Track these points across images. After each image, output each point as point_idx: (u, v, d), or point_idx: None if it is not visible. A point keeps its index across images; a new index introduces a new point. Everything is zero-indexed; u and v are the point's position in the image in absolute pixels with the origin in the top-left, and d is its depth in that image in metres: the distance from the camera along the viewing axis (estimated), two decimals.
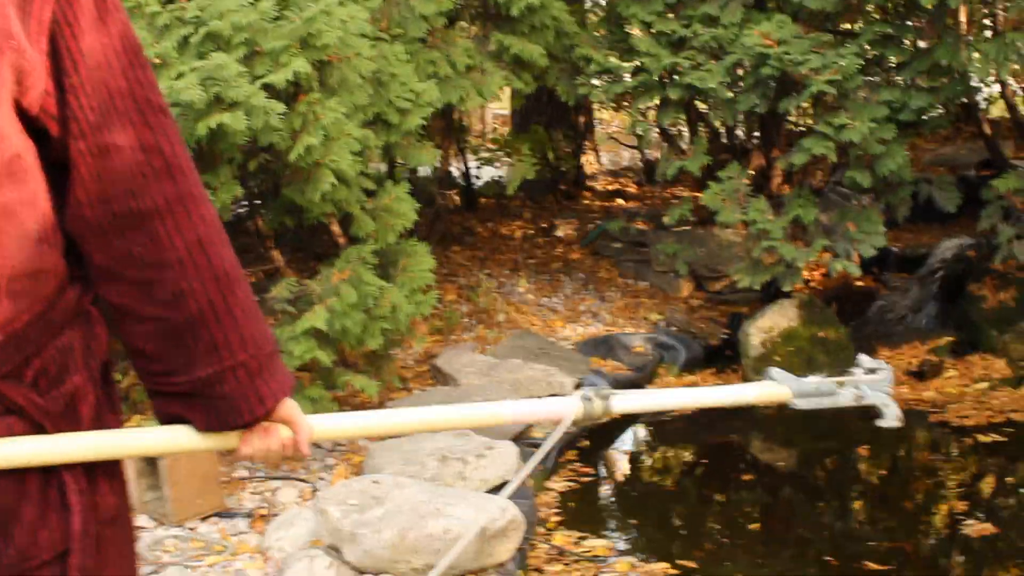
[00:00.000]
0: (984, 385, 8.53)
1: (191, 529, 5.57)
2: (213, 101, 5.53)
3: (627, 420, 8.12)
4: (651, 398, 2.74)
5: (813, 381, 2.90)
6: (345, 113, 6.11)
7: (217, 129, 5.46)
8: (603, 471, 7.34)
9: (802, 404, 2.87)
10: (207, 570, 5.19)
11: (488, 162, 12.50)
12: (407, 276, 6.91)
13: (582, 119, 13.54)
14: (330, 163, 6.01)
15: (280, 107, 5.69)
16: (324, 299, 6.22)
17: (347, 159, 6.08)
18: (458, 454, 6.02)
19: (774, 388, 2.86)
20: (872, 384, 3.00)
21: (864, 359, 3.08)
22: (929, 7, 8.32)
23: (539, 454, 2.54)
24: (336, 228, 6.96)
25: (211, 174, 5.77)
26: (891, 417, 3.00)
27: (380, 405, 6.96)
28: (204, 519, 5.67)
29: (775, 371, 2.94)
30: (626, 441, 7.99)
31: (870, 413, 3.07)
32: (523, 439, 6.87)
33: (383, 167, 8.22)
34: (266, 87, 5.72)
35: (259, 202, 6.91)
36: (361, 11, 6.17)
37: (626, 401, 2.62)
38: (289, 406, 2.21)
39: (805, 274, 9.22)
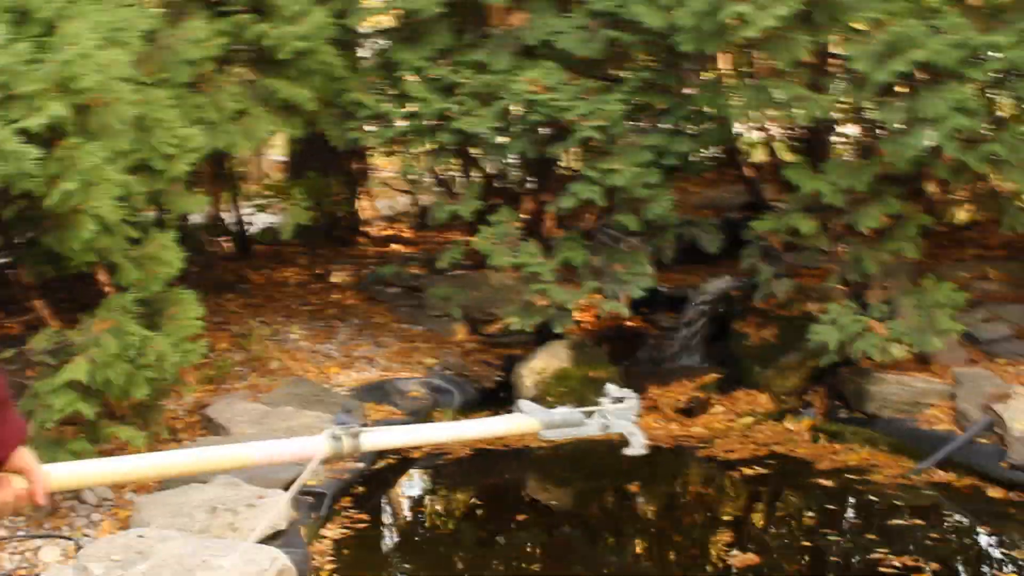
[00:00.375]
0: (749, 420, 8.82)
1: None
2: None
3: (403, 464, 8.11)
4: (401, 434, 2.74)
5: (561, 412, 2.96)
6: (107, 158, 5.96)
7: None
8: (379, 517, 7.30)
9: (551, 435, 2.92)
10: None
11: (263, 209, 12.36)
12: (175, 324, 6.76)
13: (357, 165, 13.51)
14: (90, 209, 5.85)
15: (35, 152, 5.51)
16: (85, 350, 6.04)
17: (108, 205, 5.93)
18: (228, 505, 5.91)
19: (523, 420, 2.91)
20: (619, 413, 3.07)
21: (611, 388, 3.15)
22: (689, 53, 8.60)
23: (288, 495, 2.52)
24: (103, 277, 6.77)
25: None
26: (637, 445, 3.08)
27: None
28: None
29: (524, 403, 2.99)
30: (403, 485, 7.98)
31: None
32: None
33: (151, 214, 8.05)
34: (22, 132, 5.54)
35: (19, 252, 6.68)
36: (123, 55, 6.04)
37: (376, 438, 2.63)
38: (23, 455, 2.14)
39: (576, 316, 9.37)
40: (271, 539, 5.84)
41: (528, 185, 10.52)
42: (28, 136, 5.57)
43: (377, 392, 8.87)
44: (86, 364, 5.91)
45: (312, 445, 2.52)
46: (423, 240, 13.44)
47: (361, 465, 7.47)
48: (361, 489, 7.39)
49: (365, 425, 8.04)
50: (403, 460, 8.13)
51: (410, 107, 9.14)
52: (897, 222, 8.41)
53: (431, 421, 8.71)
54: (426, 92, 8.97)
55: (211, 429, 7.74)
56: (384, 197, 15.97)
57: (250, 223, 12.63)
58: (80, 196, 5.79)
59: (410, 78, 9.15)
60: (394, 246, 13.29)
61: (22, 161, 5.47)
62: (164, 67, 7.23)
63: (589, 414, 3.00)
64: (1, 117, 5.49)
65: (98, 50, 5.83)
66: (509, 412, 8.05)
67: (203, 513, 5.85)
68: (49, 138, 5.77)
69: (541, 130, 9.01)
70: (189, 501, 6.00)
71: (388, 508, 7.60)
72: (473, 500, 7.84)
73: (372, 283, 11.26)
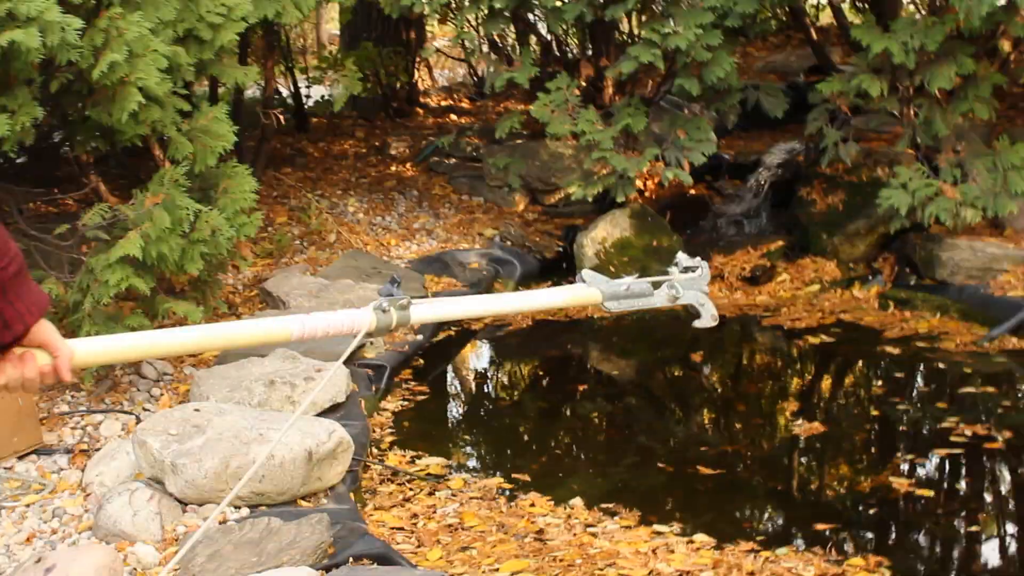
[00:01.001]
0: (815, 288, 8.63)
1: (7, 468, 5.32)
2: (4, 17, 5.20)
3: (463, 336, 8.03)
4: (453, 306, 2.60)
5: (625, 282, 2.80)
6: (151, 28, 5.80)
7: (9, 47, 5.12)
8: (440, 389, 7.23)
9: (614, 306, 2.77)
10: (24, 510, 4.97)
11: (319, 81, 12.20)
12: (228, 199, 6.65)
13: (413, 34, 13.28)
14: (136, 81, 5.71)
15: (78, 22, 5.36)
16: (138, 224, 5.95)
17: (154, 77, 5.77)
18: (286, 378, 5.85)
19: (585, 291, 2.76)
20: (687, 283, 2.92)
21: (682, 257, 2.99)
22: None
23: (337, 365, 2.40)
24: (157, 151, 6.66)
25: (7, 96, 5.44)
26: (707, 316, 2.93)
27: None
28: (21, 457, 5.42)
29: (587, 273, 2.84)
30: (464, 357, 7.91)
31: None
32: (355, 360, 6.73)
33: (203, 88, 7.92)
34: (62, 2, 5.39)
35: (72, 127, 6.57)
36: None
37: (426, 310, 2.49)
38: (45, 329, 2.03)
39: (638, 184, 9.18)
40: (330, 411, 5.80)
41: (587, 51, 10.26)
42: (70, 6, 5.43)
43: (436, 264, 8.80)
44: (139, 239, 5.81)
45: (358, 318, 2.39)
46: (481, 110, 13.23)
47: (420, 337, 7.39)
48: (421, 362, 7.33)
49: (423, 297, 8.00)
50: (463, 332, 8.05)
51: None
52: (969, 82, 8.08)
53: (492, 292, 8.64)
54: None
55: (269, 303, 7.69)
56: (442, 67, 15.74)
57: (307, 96, 12.49)
58: (126, 67, 5.64)
59: None
60: (452, 116, 13.10)
61: (66, 32, 5.32)
62: None
63: (657, 284, 2.84)
64: None
65: None
66: (571, 283, 8.02)
67: (261, 386, 5.80)
68: (91, 8, 5.62)
69: None
70: (248, 375, 5.94)
71: (449, 380, 7.55)
72: (535, 371, 7.76)
73: (430, 154, 11.10)
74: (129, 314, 6.10)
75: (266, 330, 2.31)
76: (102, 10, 5.64)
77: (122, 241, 5.86)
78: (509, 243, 9.43)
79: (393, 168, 11.08)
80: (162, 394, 6.25)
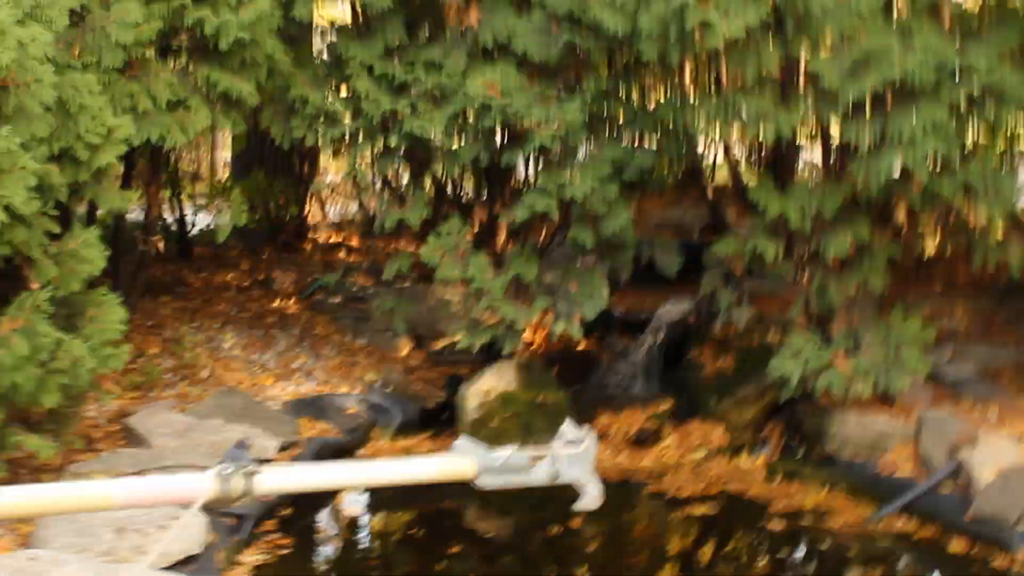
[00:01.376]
0: (701, 454, 8.42)
1: None
2: None
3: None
4: (307, 474, 2.29)
5: (503, 455, 2.51)
6: (22, 144, 5.49)
7: None
8: (305, 542, 6.81)
9: (489, 482, 2.48)
10: None
11: (204, 208, 11.87)
12: (95, 327, 6.31)
13: (306, 167, 13.06)
14: (1, 199, 5.38)
15: None
16: None
17: (21, 195, 5.47)
18: (138, 525, 5.44)
19: (458, 463, 2.47)
20: (571, 459, 2.64)
21: (567, 430, 2.72)
22: (653, 63, 8.20)
23: (186, 516, 2.07)
24: (27, 272, 6.27)
25: None
26: (591, 498, 2.65)
27: (61, 468, 6.35)
28: None
29: (461, 442, 2.55)
30: (335, 505, 7.50)
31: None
32: (217, 506, 6.32)
33: (81, 210, 7.56)
34: None
35: None
36: (44, 33, 5.57)
37: (275, 478, 2.17)
38: None
39: (527, 336, 8.95)
40: (183, 564, 5.39)
41: (481, 195, 10.09)
42: None
43: (312, 407, 8.43)
44: None
45: (197, 486, 2.07)
46: (371, 249, 12.97)
47: None
48: (288, 511, 6.91)
49: (294, 443, 7.62)
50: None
51: (359, 106, 8.68)
52: (864, 251, 8.03)
53: (369, 442, 8.31)
54: (376, 91, 8.51)
55: (131, 440, 7.26)
56: (334, 201, 15.51)
57: (193, 224, 12.14)
58: None
59: (360, 75, 8.65)
60: (341, 254, 12.83)
61: None
62: (93, 50, 6.73)
63: (538, 458, 2.56)
64: None
65: (17, 26, 5.35)
66: (452, 434, 7.64)
67: (110, 533, 5.39)
68: None
69: (495, 136, 8.60)
70: (97, 517, 5.51)
71: (316, 532, 7.12)
72: (408, 527, 7.38)
73: (315, 291, 10.80)
74: None
75: (81, 496, 1.97)
76: None
77: None
78: (390, 389, 9.10)
79: (276, 303, 10.73)
80: (3, 534, 5.77)
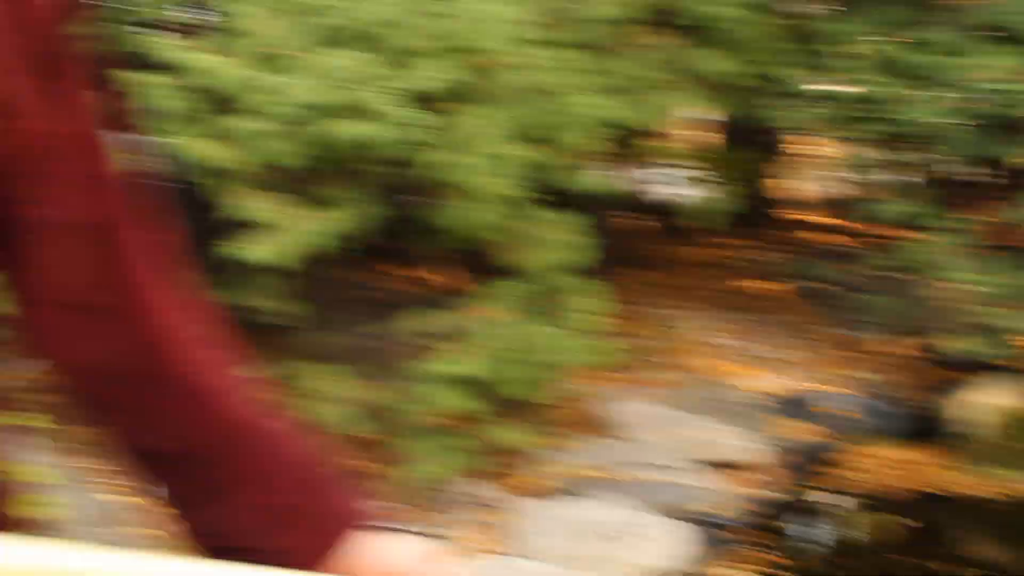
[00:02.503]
0: None
1: None
2: (344, 107, 4.84)
3: None
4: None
5: None
6: (503, 128, 5.35)
7: (344, 139, 4.76)
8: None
9: None
10: None
11: (681, 184, 11.62)
12: (572, 316, 6.15)
13: (789, 145, 12.56)
14: (485, 184, 5.27)
15: (423, 118, 4.97)
16: (476, 339, 5.51)
17: (505, 180, 5.33)
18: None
19: None
20: None
21: None
22: None
23: None
24: (497, 254, 6.18)
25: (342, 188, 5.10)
26: None
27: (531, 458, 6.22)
28: None
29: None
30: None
31: None
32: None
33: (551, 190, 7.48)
34: (407, 93, 5.00)
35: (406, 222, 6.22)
36: (521, 12, 5.38)
37: None
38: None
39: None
40: None
41: (982, 189, 9.28)
42: (413, 99, 5.04)
43: (792, 405, 7.94)
44: (483, 357, 5.39)
45: None
46: (866, 234, 12.26)
47: None
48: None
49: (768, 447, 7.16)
50: None
51: (850, 87, 8.22)
52: None
53: (855, 448, 7.70)
54: (870, 72, 7.97)
55: (603, 429, 7.06)
56: (819, 182, 14.96)
57: (666, 199, 11.92)
58: (473, 169, 5.22)
59: (851, 53, 8.12)
60: (832, 237, 12.20)
61: (409, 128, 4.95)
62: (568, 27, 6.50)
63: None
64: (387, 78, 4.95)
65: (494, 4, 5.19)
66: (953, 448, 6.70)
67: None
68: (437, 101, 5.22)
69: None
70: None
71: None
72: None
73: (806, 277, 10.26)
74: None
75: None
76: (449, 105, 5.26)
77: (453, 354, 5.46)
78: (881, 391, 8.42)
79: (757, 286, 10.27)
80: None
